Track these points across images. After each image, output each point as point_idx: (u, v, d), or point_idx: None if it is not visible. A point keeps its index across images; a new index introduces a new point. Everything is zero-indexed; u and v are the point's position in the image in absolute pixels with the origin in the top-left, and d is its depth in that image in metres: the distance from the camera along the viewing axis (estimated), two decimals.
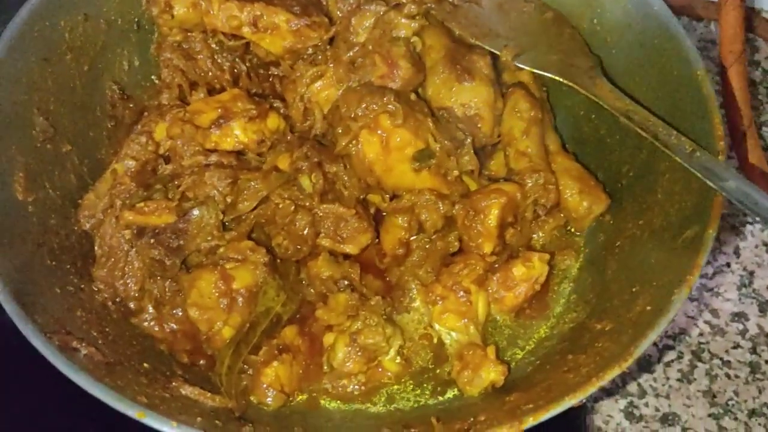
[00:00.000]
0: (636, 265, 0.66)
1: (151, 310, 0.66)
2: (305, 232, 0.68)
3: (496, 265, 0.69)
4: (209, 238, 0.67)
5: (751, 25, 1.04)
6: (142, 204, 0.66)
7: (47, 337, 0.53)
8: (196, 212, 0.65)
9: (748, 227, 0.89)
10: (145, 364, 0.61)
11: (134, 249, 0.65)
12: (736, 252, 0.87)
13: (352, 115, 0.68)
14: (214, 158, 0.68)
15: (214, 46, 0.78)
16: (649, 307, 0.59)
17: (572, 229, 0.77)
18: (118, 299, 0.66)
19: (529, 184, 0.71)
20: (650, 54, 0.71)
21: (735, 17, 0.89)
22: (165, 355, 0.65)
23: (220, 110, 0.70)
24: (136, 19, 0.79)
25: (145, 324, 0.66)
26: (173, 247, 0.65)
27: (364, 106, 0.68)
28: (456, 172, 0.71)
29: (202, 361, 0.66)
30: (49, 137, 0.69)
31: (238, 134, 0.70)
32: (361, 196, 0.72)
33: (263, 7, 0.74)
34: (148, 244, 0.65)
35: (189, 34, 0.78)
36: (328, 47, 0.75)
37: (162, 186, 0.68)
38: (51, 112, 0.70)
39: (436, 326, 0.69)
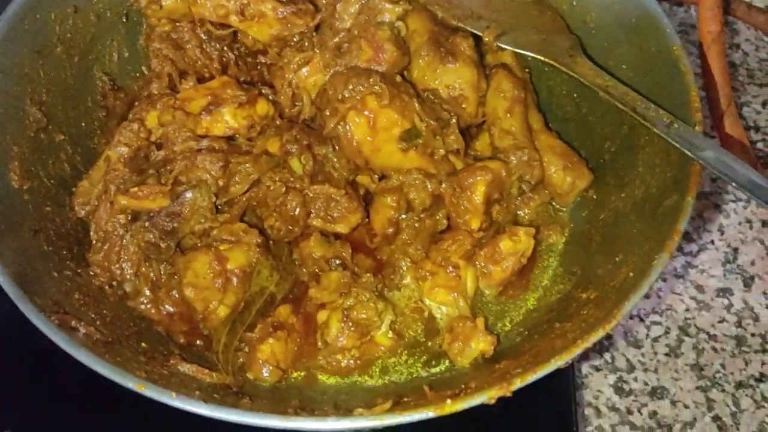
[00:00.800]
0: (619, 237, 0.67)
1: (147, 293, 0.67)
2: (296, 212, 0.70)
3: (484, 241, 0.71)
4: (203, 220, 0.68)
5: (729, 7, 1.06)
6: (135, 188, 0.67)
7: (47, 316, 0.54)
8: (189, 195, 0.66)
9: (731, 204, 0.91)
10: (143, 344, 0.62)
11: (129, 233, 0.66)
12: (720, 229, 0.89)
13: (340, 97, 0.69)
14: (205, 143, 0.69)
15: (202, 35, 0.79)
16: (631, 274, 0.60)
17: (557, 205, 0.78)
18: (114, 283, 0.67)
19: (514, 161, 0.73)
20: (629, 33, 0.73)
21: None
22: (162, 336, 0.66)
23: (210, 97, 0.71)
24: (125, 11, 0.80)
25: (142, 307, 0.67)
26: (167, 230, 0.66)
27: (351, 87, 0.69)
28: (442, 152, 0.72)
29: (198, 342, 0.67)
30: (42, 127, 0.71)
31: (228, 120, 0.71)
32: (351, 177, 0.73)
33: None
34: (143, 228, 0.66)
35: (177, 24, 0.79)
36: (314, 34, 0.76)
37: (155, 171, 0.69)
38: (44, 103, 0.71)
39: (427, 301, 0.70)
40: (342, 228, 0.71)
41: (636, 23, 0.72)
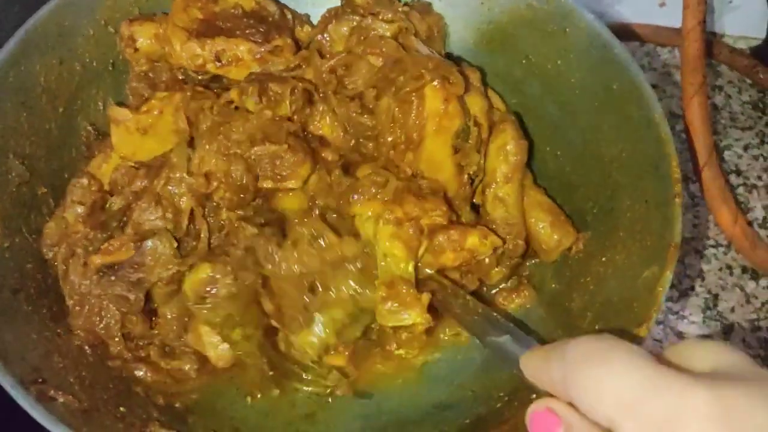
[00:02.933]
0: (600, 303, 0.68)
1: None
2: (243, 180, 0.69)
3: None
4: (169, 267, 0.67)
5: (711, 50, 1.07)
6: (106, 245, 0.66)
7: (25, 389, 0.54)
8: (149, 244, 0.65)
9: (711, 250, 0.92)
10: (121, 408, 0.62)
11: (99, 289, 0.66)
12: (701, 275, 0.90)
13: (418, 73, 0.70)
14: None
15: (179, 76, 0.79)
16: None
17: (543, 258, 0.78)
18: (99, 343, 0.67)
19: (498, 241, 0.72)
20: (611, 96, 0.74)
21: (696, 49, 0.91)
22: (141, 397, 0.66)
23: None
24: (112, 60, 0.80)
25: (140, 374, 0.67)
26: (133, 281, 0.65)
27: (431, 66, 0.70)
28: (474, 168, 0.73)
29: (177, 404, 0.67)
30: (24, 181, 0.70)
31: None
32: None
33: (224, 41, 0.76)
34: (109, 282, 0.65)
35: (156, 63, 0.79)
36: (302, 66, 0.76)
37: (117, 222, 0.68)
38: (27, 156, 0.71)
39: (378, 244, 0.68)
40: (293, 183, 0.70)
41: (618, 88, 0.73)
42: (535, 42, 0.80)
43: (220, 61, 0.76)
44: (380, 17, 0.77)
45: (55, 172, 0.74)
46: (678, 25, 0.91)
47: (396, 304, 0.64)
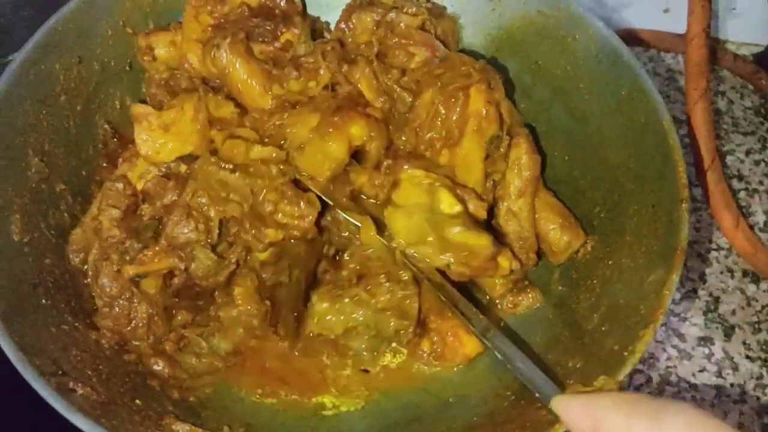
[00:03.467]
0: (606, 305, 0.69)
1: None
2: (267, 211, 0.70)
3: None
4: (218, 276, 0.69)
5: (715, 56, 1.08)
6: (141, 255, 0.67)
7: (46, 380, 0.55)
8: (192, 266, 0.67)
9: (713, 253, 0.93)
10: (137, 401, 0.63)
11: (138, 295, 0.67)
12: (702, 278, 0.91)
13: (464, 72, 0.72)
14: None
15: (199, 83, 0.79)
16: (616, 347, 0.62)
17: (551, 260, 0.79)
18: (123, 342, 0.68)
19: (510, 257, 0.72)
20: (620, 102, 0.75)
21: (700, 55, 0.93)
22: (156, 390, 0.67)
23: None
24: (129, 60, 0.81)
25: (157, 368, 0.68)
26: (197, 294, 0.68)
27: (477, 67, 0.73)
28: (498, 176, 0.74)
29: (191, 398, 0.68)
30: (44, 178, 0.71)
31: None
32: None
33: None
34: (175, 302, 0.68)
35: (175, 71, 0.80)
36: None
37: (151, 233, 0.69)
38: (46, 153, 0.72)
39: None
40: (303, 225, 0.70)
41: (627, 94, 0.74)
42: (544, 48, 0.82)
43: None
44: (404, 10, 0.77)
45: (73, 170, 0.76)
46: (682, 31, 0.92)
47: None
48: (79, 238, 0.71)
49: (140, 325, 0.67)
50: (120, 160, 0.76)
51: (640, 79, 0.72)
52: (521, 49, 0.84)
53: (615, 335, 0.64)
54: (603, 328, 0.67)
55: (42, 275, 0.67)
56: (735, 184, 0.99)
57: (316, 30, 0.83)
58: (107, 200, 0.70)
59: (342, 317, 0.69)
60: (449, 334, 0.70)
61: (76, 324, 0.66)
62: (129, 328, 0.67)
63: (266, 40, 0.77)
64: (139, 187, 0.72)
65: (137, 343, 0.68)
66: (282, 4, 0.80)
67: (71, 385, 0.58)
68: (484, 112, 0.71)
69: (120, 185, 0.71)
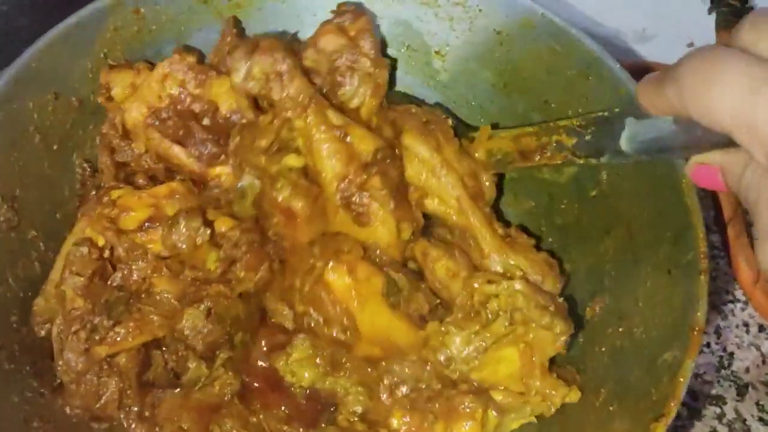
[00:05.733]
0: (615, 380, 0.64)
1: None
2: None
3: None
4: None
5: None
6: (113, 333, 0.62)
7: None
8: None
9: (729, 306, 0.89)
10: None
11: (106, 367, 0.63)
12: (717, 332, 0.86)
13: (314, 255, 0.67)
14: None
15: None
16: None
17: None
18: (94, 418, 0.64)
19: None
20: None
21: None
22: None
23: (152, 209, 0.67)
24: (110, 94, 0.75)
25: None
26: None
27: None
28: (426, 307, 0.67)
29: None
30: (12, 226, 0.67)
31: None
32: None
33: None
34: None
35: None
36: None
37: (122, 304, 0.64)
38: (16, 198, 0.67)
39: None
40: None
41: None
42: (554, 87, 0.76)
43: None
44: None
45: (46, 214, 0.71)
46: None
47: None
48: (42, 308, 0.65)
49: (111, 399, 0.62)
50: (79, 214, 0.70)
51: None
52: (530, 87, 0.78)
53: (623, 420, 0.59)
54: (611, 408, 0.62)
55: (7, 335, 0.63)
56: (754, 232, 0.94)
57: None
58: (70, 267, 0.64)
59: None
60: None
61: (42, 390, 0.62)
62: (99, 405, 0.62)
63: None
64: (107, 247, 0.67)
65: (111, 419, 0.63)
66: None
67: None
68: (353, 281, 0.66)
69: (84, 249, 0.65)
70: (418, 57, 0.83)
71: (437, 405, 0.65)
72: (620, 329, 0.67)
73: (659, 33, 1.01)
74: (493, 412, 0.64)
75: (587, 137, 0.64)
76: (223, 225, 0.66)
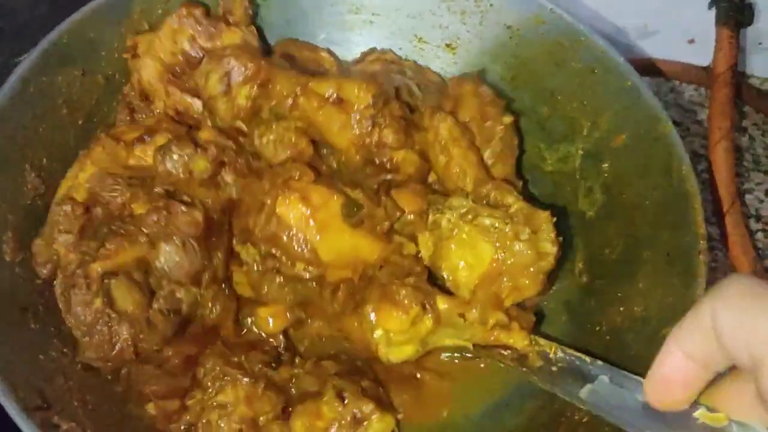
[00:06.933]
0: (615, 356, 0.66)
1: None
2: None
3: None
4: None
5: (739, 92, 1.05)
6: (102, 250, 0.63)
7: (29, 415, 0.53)
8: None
9: None
10: None
11: (114, 315, 0.64)
12: None
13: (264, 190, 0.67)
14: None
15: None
16: None
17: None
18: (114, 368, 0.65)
19: None
20: (638, 142, 0.73)
21: (725, 94, 0.91)
22: (143, 424, 0.64)
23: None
24: None
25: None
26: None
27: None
28: (387, 224, 0.66)
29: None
30: (40, 194, 0.69)
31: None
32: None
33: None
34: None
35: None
36: None
37: (106, 228, 0.65)
38: (43, 168, 0.70)
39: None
40: None
41: (645, 134, 0.71)
42: (561, 80, 0.79)
43: None
44: None
45: None
46: (706, 62, 0.90)
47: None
48: (42, 248, 0.66)
49: (125, 346, 0.63)
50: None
51: (661, 121, 0.70)
52: (537, 80, 0.81)
53: None
54: None
55: (32, 297, 0.64)
56: (752, 224, 0.96)
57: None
58: (57, 227, 0.65)
59: None
60: None
61: (65, 350, 0.63)
62: (114, 353, 0.63)
63: None
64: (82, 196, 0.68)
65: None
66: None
67: (55, 419, 0.56)
68: (307, 208, 0.64)
69: (67, 207, 0.66)
70: (429, 49, 0.87)
71: (372, 290, 0.62)
72: (621, 308, 0.69)
73: (660, 29, 1.04)
74: (430, 316, 0.61)
75: (553, 368, 0.63)
76: (206, 134, 0.71)
